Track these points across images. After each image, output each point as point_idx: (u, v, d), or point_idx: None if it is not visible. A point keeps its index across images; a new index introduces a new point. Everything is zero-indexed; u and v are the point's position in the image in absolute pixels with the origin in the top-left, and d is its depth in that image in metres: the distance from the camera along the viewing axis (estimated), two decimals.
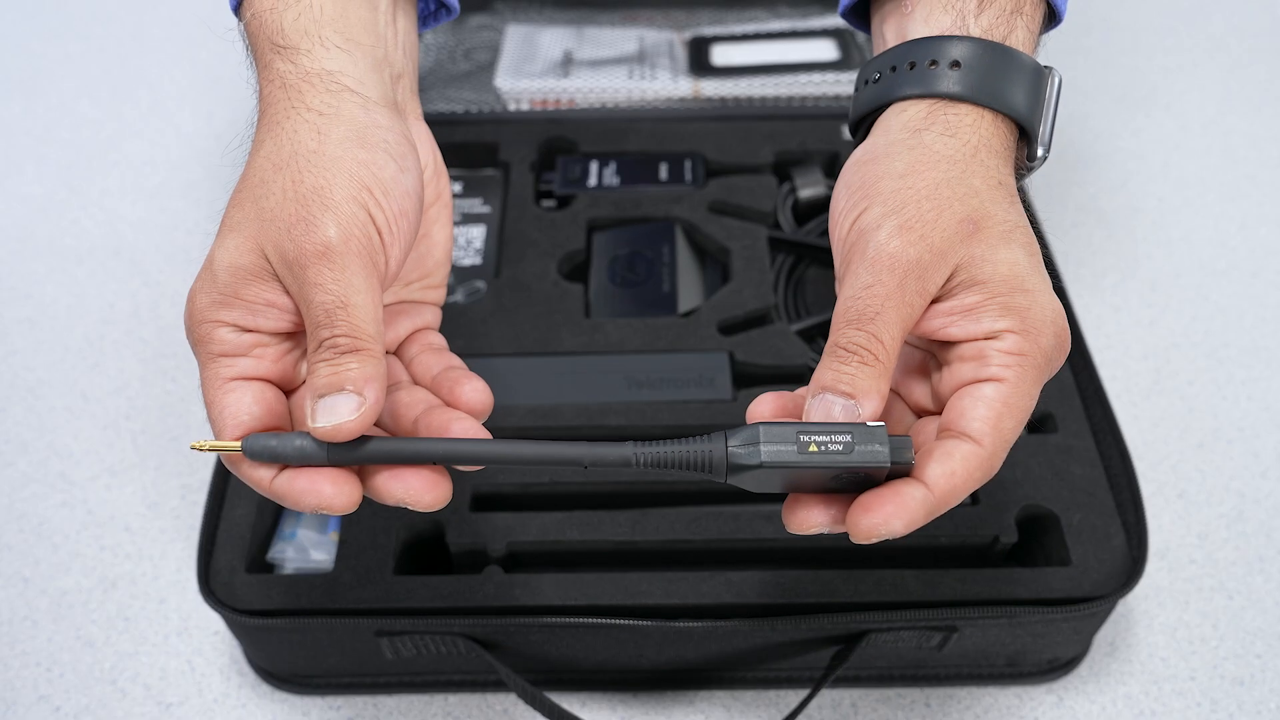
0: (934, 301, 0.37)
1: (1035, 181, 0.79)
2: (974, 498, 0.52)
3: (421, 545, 0.52)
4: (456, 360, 0.42)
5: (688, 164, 0.68)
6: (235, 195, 0.37)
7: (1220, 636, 0.56)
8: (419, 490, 0.35)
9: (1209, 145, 0.83)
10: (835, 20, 0.79)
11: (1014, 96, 0.39)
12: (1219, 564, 0.59)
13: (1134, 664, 0.55)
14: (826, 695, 0.54)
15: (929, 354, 0.39)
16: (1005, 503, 0.52)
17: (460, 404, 0.39)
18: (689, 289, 0.62)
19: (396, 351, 0.43)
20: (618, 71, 0.75)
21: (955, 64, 0.39)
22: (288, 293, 0.36)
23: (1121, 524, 0.51)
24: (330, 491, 0.34)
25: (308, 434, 0.35)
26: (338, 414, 0.34)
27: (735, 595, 0.49)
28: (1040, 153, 0.41)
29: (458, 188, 0.69)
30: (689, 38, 0.79)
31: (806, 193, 0.66)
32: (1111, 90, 0.88)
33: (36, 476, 0.63)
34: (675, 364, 0.57)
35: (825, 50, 0.75)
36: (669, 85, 0.73)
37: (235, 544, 0.51)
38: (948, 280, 0.36)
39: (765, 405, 0.38)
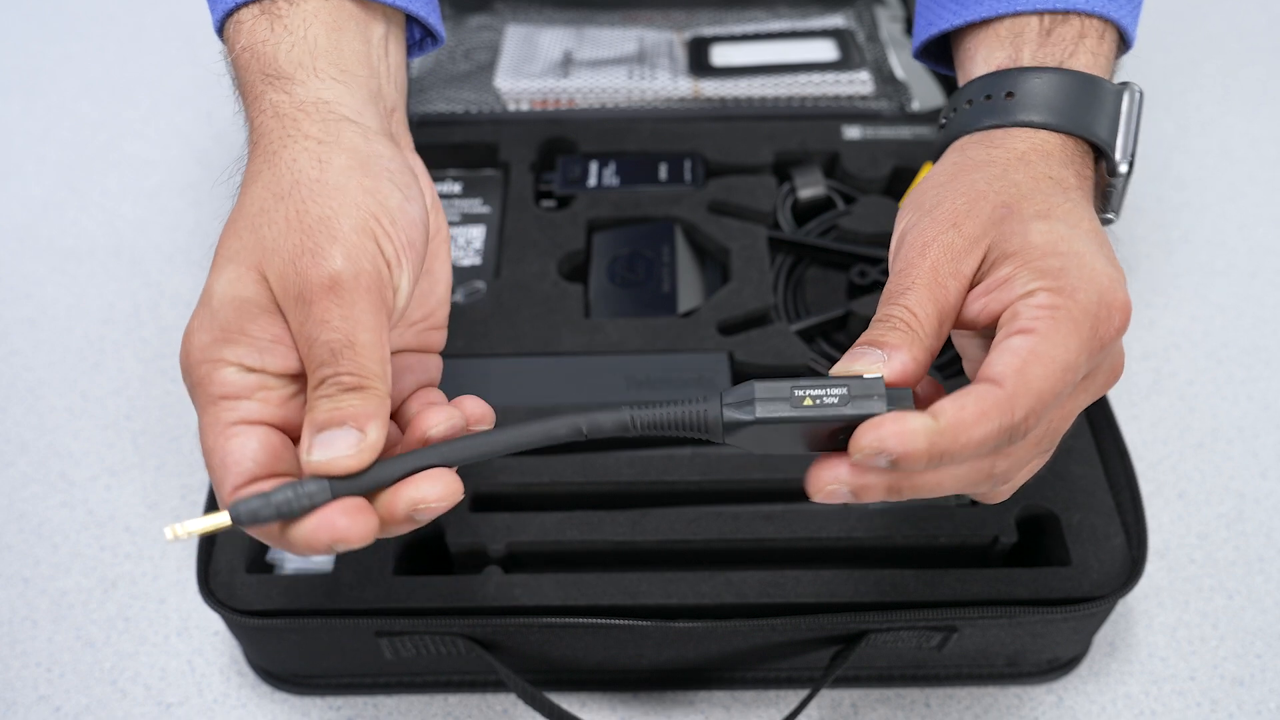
0: (972, 287, 0.36)
1: None
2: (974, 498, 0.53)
3: (421, 545, 0.52)
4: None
5: (687, 164, 0.68)
6: (230, 226, 0.36)
7: (1220, 636, 0.56)
8: (436, 494, 0.33)
9: (1209, 145, 0.83)
10: (835, 20, 0.79)
11: (1072, 112, 0.40)
12: (1219, 564, 0.59)
13: (1134, 664, 0.55)
14: (826, 695, 0.54)
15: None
16: (1005, 503, 0.52)
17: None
18: (689, 289, 0.62)
19: (397, 412, 0.40)
20: (617, 72, 0.75)
21: (1009, 94, 0.41)
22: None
23: (1121, 524, 0.51)
24: (345, 523, 0.31)
25: (292, 483, 0.32)
26: (335, 448, 0.32)
27: (735, 595, 0.49)
28: (1122, 168, 0.41)
29: (457, 188, 0.69)
30: (689, 38, 0.78)
31: (806, 193, 0.66)
32: None
33: (36, 476, 0.63)
34: (675, 364, 0.57)
35: (825, 50, 0.75)
36: (669, 85, 0.73)
37: (235, 544, 0.51)
38: (981, 262, 0.36)
39: None
